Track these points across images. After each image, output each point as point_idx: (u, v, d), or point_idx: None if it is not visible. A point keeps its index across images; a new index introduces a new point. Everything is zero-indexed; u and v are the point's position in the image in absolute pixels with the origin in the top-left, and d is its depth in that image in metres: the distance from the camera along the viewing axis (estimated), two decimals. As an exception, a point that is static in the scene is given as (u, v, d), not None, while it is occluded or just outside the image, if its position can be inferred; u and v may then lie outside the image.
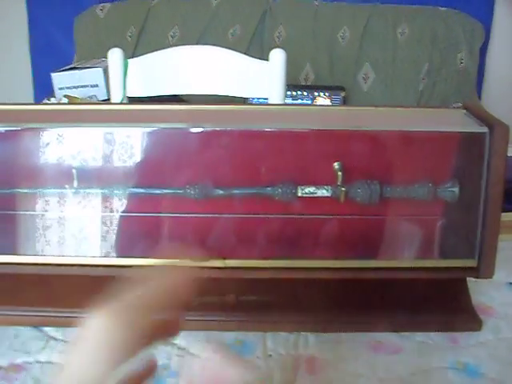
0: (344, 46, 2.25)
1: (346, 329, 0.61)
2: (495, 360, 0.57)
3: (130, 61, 1.59)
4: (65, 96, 1.97)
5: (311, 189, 0.61)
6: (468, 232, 0.60)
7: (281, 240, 0.61)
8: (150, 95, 1.50)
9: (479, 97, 2.31)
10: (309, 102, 2.18)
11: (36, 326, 0.61)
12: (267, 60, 1.50)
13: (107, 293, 0.50)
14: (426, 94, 2.21)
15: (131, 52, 2.22)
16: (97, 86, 2.19)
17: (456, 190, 0.61)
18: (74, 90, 2.18)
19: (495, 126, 0.56)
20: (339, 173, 0.60)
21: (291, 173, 0.61)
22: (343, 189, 0.60)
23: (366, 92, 2.23)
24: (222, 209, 0.61)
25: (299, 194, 0.61)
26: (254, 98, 1.68)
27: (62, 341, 0.59)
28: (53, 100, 2.07)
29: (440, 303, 0.62)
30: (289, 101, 2.09)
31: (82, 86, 2.20)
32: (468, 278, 0.64)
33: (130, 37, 2.38)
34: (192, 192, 0.60)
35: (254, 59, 1.59)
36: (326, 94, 2.18)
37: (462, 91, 2.21)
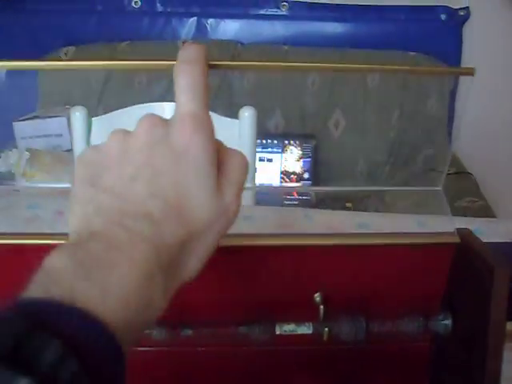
0: (314, 92, 2.22)
1: None
2: None
3: (94, 120, 1.55)
4: (27, 150, 1.89)
5: (291, 326, 0.55)
6: (465, 367, 0.55)
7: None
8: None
9: (449, 141, 2.29)
10: (279, 150, 2.13)
11: None
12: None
13: None
14: (398, 141, 2.19)
15: (97, 98, 2.17)
16: (61, 135, 2.13)
17: (448, 322, 0.56)
18: (37, 139, 2.11)
19: (496, 268, 0.50)
20: (321, 306, 0.55)
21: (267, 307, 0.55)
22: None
23: (337, 139, 2.19)
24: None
25: (278, 332, 0.55)
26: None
27: None
28: (14, 151, 1.98)
29: None
30: (259, 149, 2.05)
31: (46, 136, 2.13)
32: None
33: (96, 82, 2.32)
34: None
35: (223, 118, 1.55)
36: (297, 142, 2.13)
37: (433, 138, 2.19)
